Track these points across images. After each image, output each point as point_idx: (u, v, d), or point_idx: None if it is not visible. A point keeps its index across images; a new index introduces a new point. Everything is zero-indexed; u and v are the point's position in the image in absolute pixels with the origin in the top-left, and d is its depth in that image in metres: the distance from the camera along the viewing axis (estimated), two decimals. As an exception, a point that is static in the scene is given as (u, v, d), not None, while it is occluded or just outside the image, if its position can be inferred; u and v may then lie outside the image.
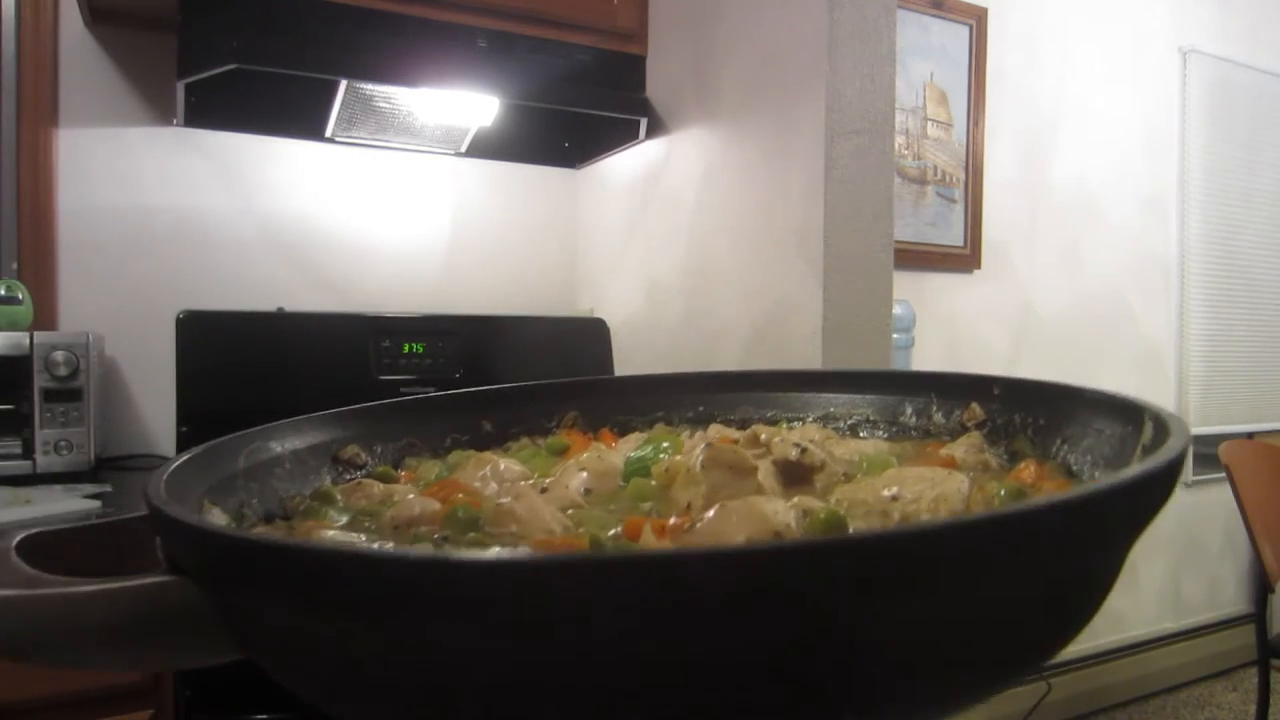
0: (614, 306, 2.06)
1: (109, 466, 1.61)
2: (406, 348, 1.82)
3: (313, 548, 0.25)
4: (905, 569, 0.21)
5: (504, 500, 0.39)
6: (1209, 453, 3.18)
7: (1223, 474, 2.30)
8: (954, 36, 2.62)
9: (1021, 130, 2.81)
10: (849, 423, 0.50)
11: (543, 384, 0.54)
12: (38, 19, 1.67)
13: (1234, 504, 2.27)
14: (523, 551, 0.30)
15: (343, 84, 1.64)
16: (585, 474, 0.45)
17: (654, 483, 0.43)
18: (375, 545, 0.36)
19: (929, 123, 2.59)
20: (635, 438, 0.52)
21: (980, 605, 0.23)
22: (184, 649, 0.25)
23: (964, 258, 2.67)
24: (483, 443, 0.51)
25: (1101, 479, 0.26)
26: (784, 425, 0.51)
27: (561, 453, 0.52)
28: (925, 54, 2.57)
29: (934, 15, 2.58)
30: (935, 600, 0.22)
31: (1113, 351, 3.06)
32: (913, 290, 2.50)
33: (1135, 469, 0.25)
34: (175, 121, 1.74)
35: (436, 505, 0.41)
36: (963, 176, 2.65)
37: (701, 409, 0.53)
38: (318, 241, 1.94)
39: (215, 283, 1.83)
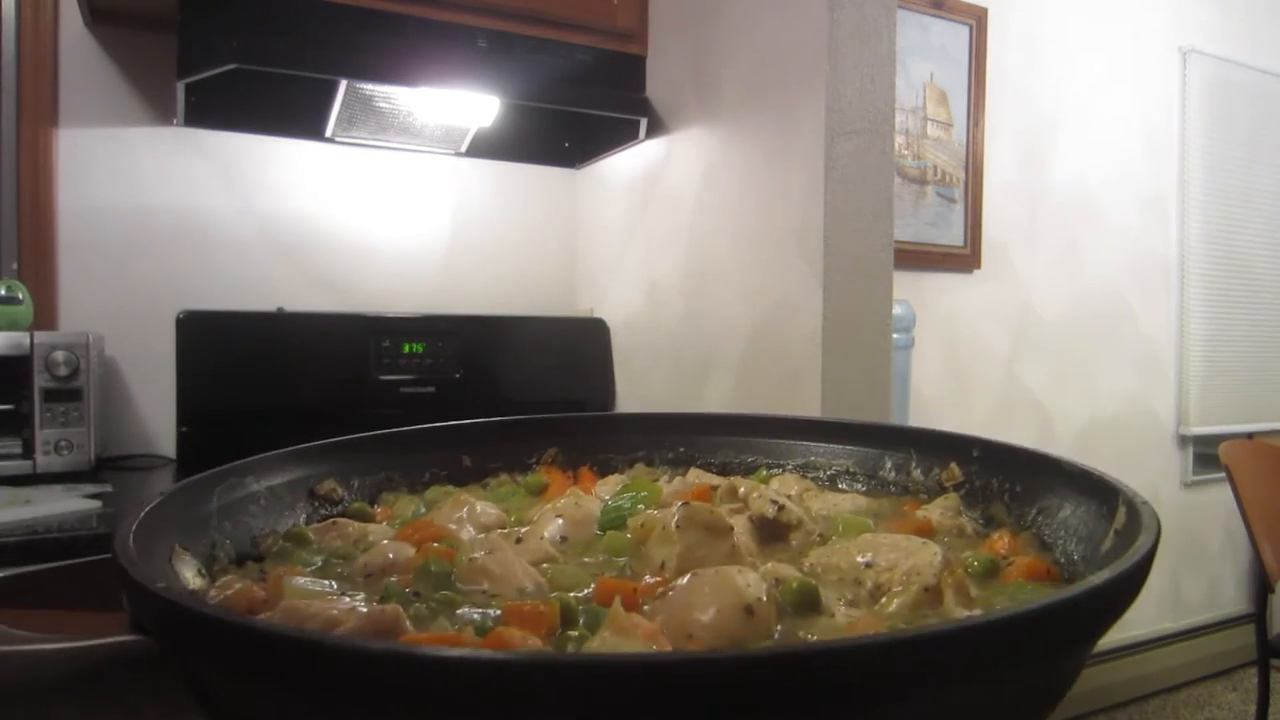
0: (614, 306, 2.06)
1: (109, 466, 1.61)
2: (406, 348, 1.82)
3: (257, 627, 0.25)
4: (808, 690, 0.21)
5: (477, 555, 0.38)
6: (1209, 453, 3.18)
7: (1223, 474, 2.30)
8: (954, 36, 2.62)
9: (1021, 130, 2.81)
10: (829, 473, 0.50)
11: (524, 419, 0.54)
12: (38, 19, 1.67)
13: (1234, 504, 2.27)
14: (452, 651, 0.27)
15: (343, 84, 1.64)
16: (561, 521, 0.44)
17: (629, 537, 0.43)
18: (345, 599, 0.36)
19: (929, 123, 2.59)
20: (614, 480, 0.52)
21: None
22: (146, 707, 0.25)
23: (964, 258, 2.67)
24: (461, 478, 0.51)
25: (1051, 596, 0.26)
26: (763, 473, 0.51)
27: (540, 492, 0.51)
28: (925, 54, 2.57)
29: (934, 15, 2.58)
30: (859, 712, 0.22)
31: (1113, 351, 3.06)
32: (913, 290, 2.50)
33: (1093, 581, 0.26)
34: (175, 121, 1.74)
35: (410, 551, 0.40)
36: (963, 176, 2.65)
37: (683, 450, 0.53)
38: (318, 241, 1.94)
39: (215, 283, 1.83)
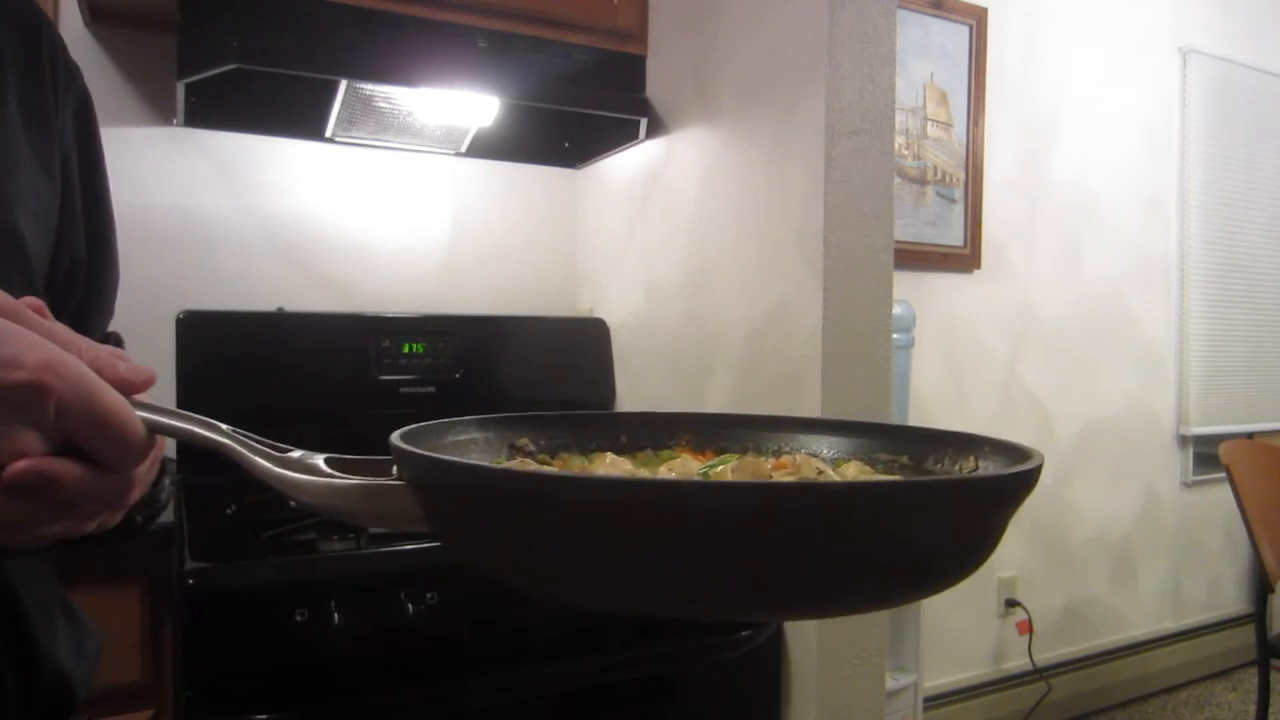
0: (614, 306, 2.06)
1: (109, 466, 1.61)
2: (406, 348, 1.82)
3: (467, 464, 0.43)
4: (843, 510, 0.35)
5: None
6: (1209, 453, 3.18)
7: (1223, 474, 2.30)
8: (954, 36, 2.62)
9: (1021, 130, 2.81)
10: (890, 466, 0.63)
11: (670, 413, 0.70)
12: (38, 19, 1.66)
13: (1234, 504, 2.27)
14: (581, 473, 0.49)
15: (343, 84, 1.64)
16: (671, 473, 0.59)
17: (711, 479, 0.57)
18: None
19: (929, 123, 2.59)
20: (728, 457, 0.66)
21: (892, 537, 0.36)
22: (406, 520, 0.43)
23: (964, 258, 2.68)
24: (619, 449, 0.66)
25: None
26: (841, 462, 0.64)
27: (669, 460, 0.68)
28: (925, 54, 2.58)
29: (934, 15, 2.58)
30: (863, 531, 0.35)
31: (1113, 351, 3.06)
32: (913, 290, 2.50)
33: (997, 472, 0.44)
34: (175, 121, 1.74)
35: None
36: (963, 176, 2.65)
37: (785, 444, 0.67)
38: (318, 241, 1.94)
39: (215, 283, 1.83)
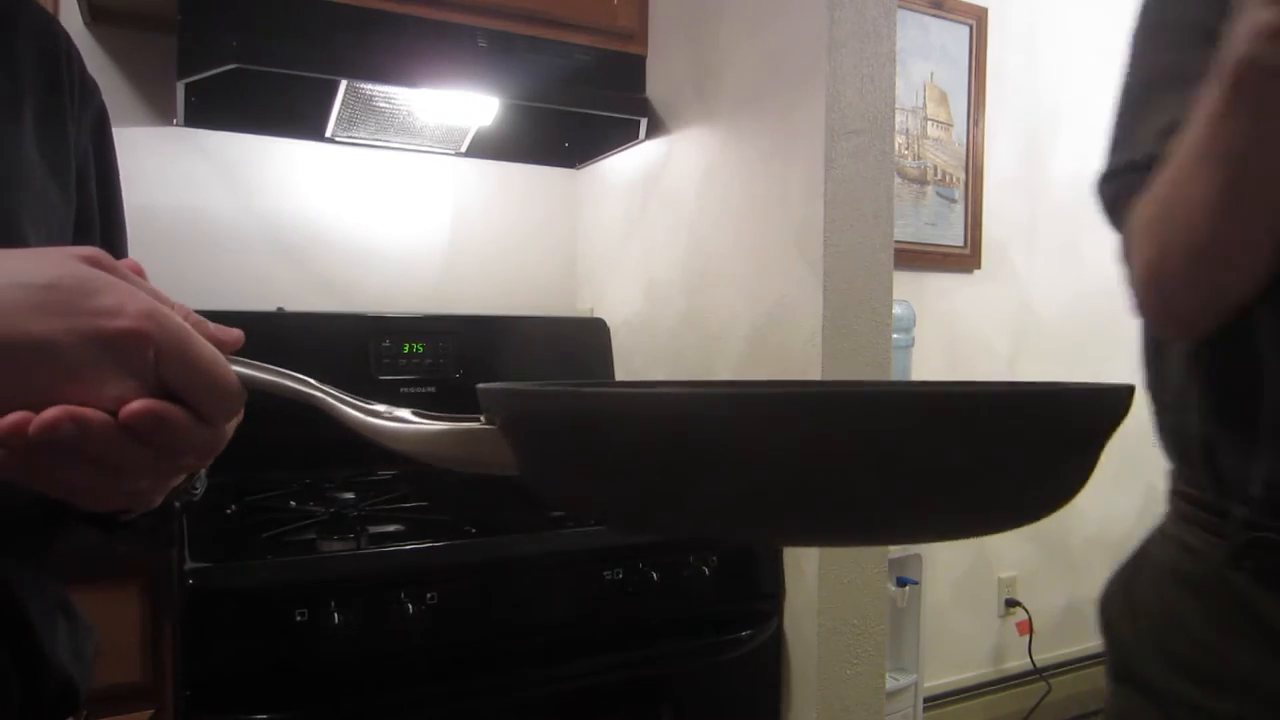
0: (614, 306, 2.06)
1: (109, 466, 1.61)
2: (406, 348, 1.82)
3: (552, 390, 0.43)
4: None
5: None
6: (1209, 453, 3.18)
7: (1223, 474, 2.29)
8: (954, 36, 2.62)
9: (1022, 130, 2.81)
10: None
11: (705, 382, 0.71)
12: (38, 19, 1.66)
13: (1234, 504, 2.27)
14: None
15: (343, 84, 1.64)
16: None
17: None
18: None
19: (929, 123, 2.59)
20: None
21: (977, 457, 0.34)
22: (496, 466, 0.44)
23: (964, 258, 2.68)
24: None
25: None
26: None
27: None
28: (925, 54, 2.58)
29: (934, 15, 2.58)
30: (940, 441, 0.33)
31: (1113, 351, 3.06)
32: (913, 290, 2.50)
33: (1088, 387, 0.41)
34: (175, 121, 1.74)
35: None
36: (963, 176, 2.65)
37: None
38: (318, 241, 1.94)
39: (215, 283, 1.83)
